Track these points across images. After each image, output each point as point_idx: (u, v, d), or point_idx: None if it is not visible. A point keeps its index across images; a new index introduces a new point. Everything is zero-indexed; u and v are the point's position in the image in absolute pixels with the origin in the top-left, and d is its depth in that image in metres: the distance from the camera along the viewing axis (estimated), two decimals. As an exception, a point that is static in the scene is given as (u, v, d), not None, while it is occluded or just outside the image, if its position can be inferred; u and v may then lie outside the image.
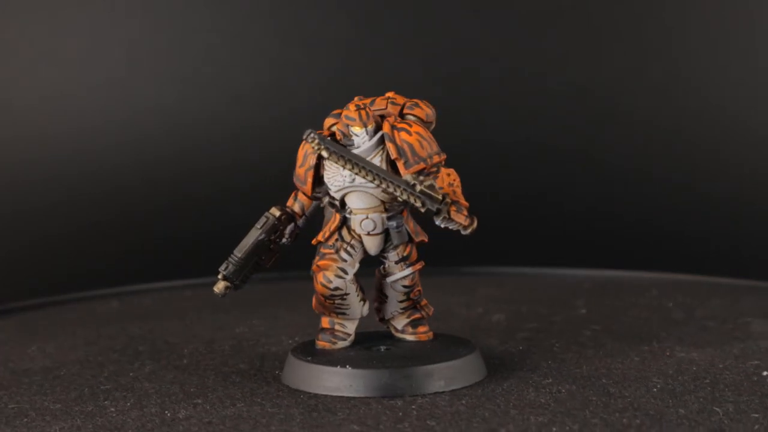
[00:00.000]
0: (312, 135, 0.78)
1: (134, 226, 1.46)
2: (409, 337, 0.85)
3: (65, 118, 1.50)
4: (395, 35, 1.53)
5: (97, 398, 0.81)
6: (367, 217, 0.81)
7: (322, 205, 0.84)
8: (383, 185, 0.78)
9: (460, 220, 0.80)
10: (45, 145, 1.48)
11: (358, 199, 0.81)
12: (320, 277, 0.82)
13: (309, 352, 0.83)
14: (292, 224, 0.83)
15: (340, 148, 0.78)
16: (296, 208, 0.83)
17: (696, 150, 1.50)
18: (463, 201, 0.81)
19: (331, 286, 0.82)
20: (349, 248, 0.82)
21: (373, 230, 0.81)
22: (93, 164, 1.48)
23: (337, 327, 0.84)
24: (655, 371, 0.84)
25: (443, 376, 0.80)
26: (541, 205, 1.47)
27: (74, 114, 1.50)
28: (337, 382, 0.79)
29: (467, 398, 0.78)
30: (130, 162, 1.48)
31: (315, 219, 0.84)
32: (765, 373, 0.85)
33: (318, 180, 0.82)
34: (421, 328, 0.85)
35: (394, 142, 0.80)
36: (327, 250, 0.82)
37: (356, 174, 0.79)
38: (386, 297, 0.84)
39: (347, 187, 0.81)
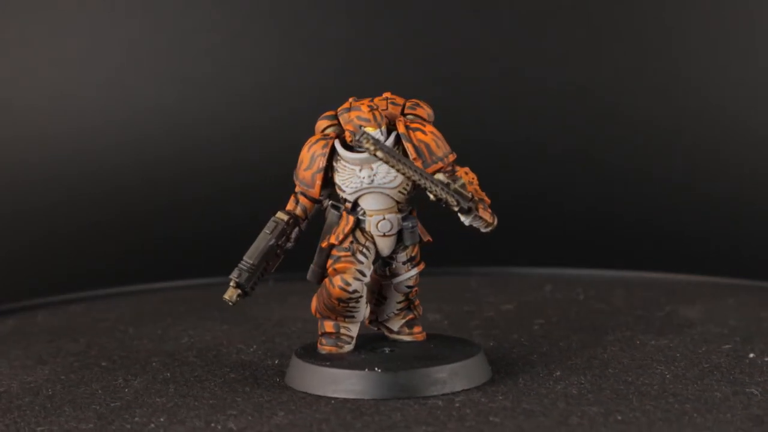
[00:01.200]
0: (367, 136, 0.76)
1: (134, 226, 1.46)
2: (406, 338, 0.85)
3: (65, 118, 1.50)
4: (395, 35, 1.53)
5: (120, 415, 0.78)
6: (383, 218, 0.81)
7: (323, 208, 0.83)
8: (427, 184, 0.77)
9: (487, 218, 0.80)
10: (45, 145, 1.48)
11: (374, 200, 0.80)
12: (338, 281, 0.80)
13: (319, 356, 0.82)
14: (297, 228, 0.82)
15: (390, 149, 0.77)
16: (299, 211, 0.82)
17: (696, 150, 1.50)
18: (486, 198, 0.81)
19: (350, 289, 0.80)
20: (364, 250, 0.81)
21: (389, 231, 0.81)
22: (93, 164, 1.48)
23: (342, 331, 0.83)
24: (663, 360, 0.86)
25: (465, 374, 0.80)
26: (541, 205, 1.47)
27: (74, 114, 1.50)
28: (364, 385, 0.79)
29: (503, 395, 0.79)
30: (130, 162, 1.48)
31: (315, 222, 0.84)
32: (752, 355, 0.88)
33: (325, 182, 0.81)
34: (417, 329, 0.85)
35: (411, 142, 0.80)
36: (342, 253, 0.81)
37: (403, 174, 0.78)
38: (385, 299, 0.84)
39: (364, 189, 0.80)
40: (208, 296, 1.16)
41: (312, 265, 0.83)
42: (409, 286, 0.83)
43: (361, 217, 0.81)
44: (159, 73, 1.52)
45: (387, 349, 0.83)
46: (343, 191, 0.81)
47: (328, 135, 0.81)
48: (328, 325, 0.83)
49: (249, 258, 0.81)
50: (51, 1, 1.51)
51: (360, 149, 0.79)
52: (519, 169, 1.47)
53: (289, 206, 0.83)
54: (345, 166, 0.80)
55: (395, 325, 0.85)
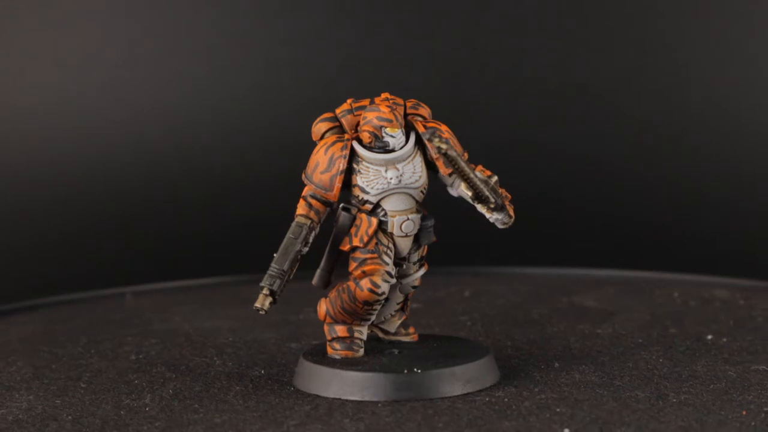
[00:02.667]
0: (438, 135, 0.75)
1: (134, 226, 1.46)
2: (404, 339, 0.85)
3: (65, 118, 1.50)
4: (395, 35, 1.53)
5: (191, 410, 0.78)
6: (407, 219, 0.80)
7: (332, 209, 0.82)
8: (477, 182, 0.78)
9: (511, 213, 0.80)
10: (45, 145, 1.48)
11: (399, 200, 0.80)
12: (367, 283, 0.79)
13: (337, 361, 0.81)
14: (313, 232, 0.81)
15: (453, 149, 0.77)
16: (313, 214, 0.81)
17: (696, 150, 1.50)
18: (508, 194, 0.81)
19: (380, 291, 0.80)
20: (388, 251, 0.80)
21: (411, 231, 0.80)
22: (93, 164, 1.48)
23: (356, 335, 0.82)
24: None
25: (484, 373, 0.81)
26: (542, 205, 1.47)
27: (74, 114, 1.50)
28: (402, 387, 0.78)
29: (529, 392, 0.80)
30: (130, 162, 1.48)
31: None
32: (710, 337, 0.92)
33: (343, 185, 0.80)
34: (411, 329, 0.85)
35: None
36: (368, 255, 0.80)
37: (462, 173, 0.77)
38: (386, 300, 0.83)
39: (391, 189, 0.79)
40: (209, 296, 1.16)
41: (318, 270, 0.82)
42: (414, 287, 0.83)
43: (383, 218, 0.80)
44: (159, 73, 1.52)
45: (395, 351, 0.83)
46: (367, 193, 0.79)
47: (343, 137, 0.80)
48: (341, 330, 0.81)
49: (279, 264, 0.79)
50: (52, 1, 1.51)
51: (378, 150, 0.78)
52: (519, 169, 1.47)
53: (303, 210, 0.80)
54: (368, 168, 0.79)
55: (392, 326, 0.84)
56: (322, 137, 0.81)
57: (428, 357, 0.81)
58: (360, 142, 0.80)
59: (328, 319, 0.82)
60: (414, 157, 0.80)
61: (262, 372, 0.86)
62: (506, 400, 0.78)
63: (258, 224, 1.43)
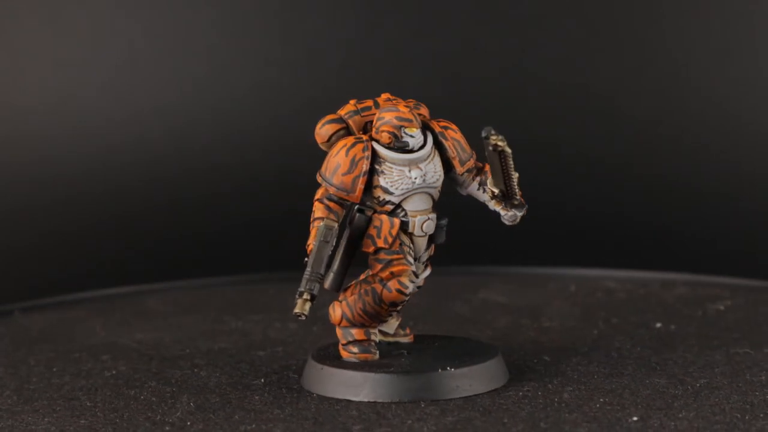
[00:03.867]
0: (494, 132, 0.76)
1: (134, 226, 1.46)
2: (403, 340, 0.84)
3: (65, 118, 1.50)
4: (395, 35, 1.53)
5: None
6: (428, 218, 0.80)
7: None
8: (516, 180, 0.79)
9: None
10: (45, 145, 1.48)
11: (420, 200, 0.80)
12: (395, 284, 0.79)
13: (362, 365, 0.80)
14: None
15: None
16: (332, 217, 0.79)
17: (696, 150, 1.50)
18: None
19: (407, 291, 0.80)
20: (410, 251, 0.80)
21: (431, 231, 0.80)
22: (93, 164, 1.48)
23: (372, 337, 0.82)
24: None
25: (499, 374, 0.81)
26: (542, 205, 1.47)
27: (74, 114, 1.50)
28: (450, 385, 0.78)
29: (556, 386, 0.81)
30: (130, 162, 1.48)
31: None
32: (658, 325, 0.96)
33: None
34: (407, 329, 0.85)
35: (447, 140, 0.80)
36: (393, 256, 0.79)
37: (510, 171, 0.78)
38: None
39: (415, 189, 0.79)
40: (208, 296, 1.16)
41: (332, 273, 0.81)
42: (419, 287, 0.83)
43: (404, 219, 0.80)
44: (159, 73, 1.52)
45: (405, 352, 0.82)
46: (391, 194, 0.79)
47: (361, 137, 0.79)
48: (359, 333, 0.81)
49: (316, 268, 0.78)
50: (52, 1, 1.51)
51: (396, 149, 0.78)
52: (519, 169, 1.47)
53: (322, 213, 0.79)
54: (392, 168, 0.79)
55: (391, 327, 0.84)
56: (329, 139, 0.80)
57: (446, 357, 0.81)
58: (377, 142, 0.79)
59: (344, 323, 0.81)
60: (433, 156, 0.79)
61: (263, 380, 0.85)
62: (540, 393, 0.79)
63: (258, 224, 1.43)
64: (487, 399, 0.78)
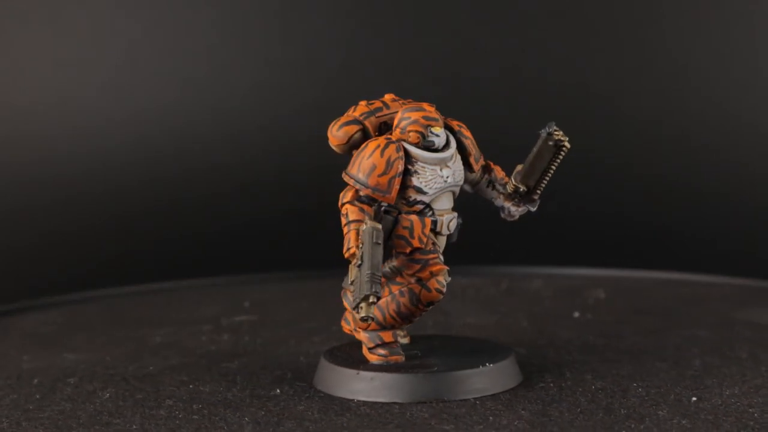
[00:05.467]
0: (555, 128, 0.77)
1: (134, 226, 1.46)
2: (402, 341, 0.84)
3: (65, 118, 1.50)
4: (396, 35, 1.53)
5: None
6: (453, 217, 0.80)
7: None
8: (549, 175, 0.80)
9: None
10: (45, 145, 1.48)
11: (447, 199, 0.80)
12: (435, 284, 0.79)
13: (397, 367, 0.79)
14: None
15: None
16: (367, 219, 0.78)
17: (696, 150, 1.50)
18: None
19: (444, 290, 0.79)
20: (440, 250, 0.80)
21: (455, 229, 0.80)
22: (93, 164, 1.48)
23: (399, 339, 0.81)
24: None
25: (513, 373, 0.81)
26: (542, 205, 1.47)
27: (74, 114, 1.50)
28: (483, 383, 0.78)
29: (588, 381, 0.81)
30: (130, 162, 1.48)
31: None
32: (576, 314, 0.98)
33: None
34: (404, 331, 0.84)
35: (465, 139, 0.80)
36: (430, 256, 0.79)
37: (552, 169, 0.80)
38: None
39: (446, 187, 0.79)
40: (208, 297, 1.16)
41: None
42: None
43: (434, 218, 0.79)
44: (159, 73, 1.52)
45: (417, 353, 0.82)
46: (425, 193, 0.78)
47: (391, 138, 0.78)
48: (387, 335, 0.80)
49: (376, 269, 0.75)
50: (52, 1, 1.51)
51: (425, 148, 0.78)
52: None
53: (357, 215, 0.78)
54: (425, 168, 0.78)
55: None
56: (347, 141, 0.79)
57: (459, 355, 0.81)
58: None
59: (373, 326, 0.80)
60: (456, 154, 0.80)
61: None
62: (567, 392, 0.80)
63: (258, 224, 1.43)
64: (510, 397, 0.79)
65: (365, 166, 0.78)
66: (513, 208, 0.82)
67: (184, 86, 1.51)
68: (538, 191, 0.81)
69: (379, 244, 0.76)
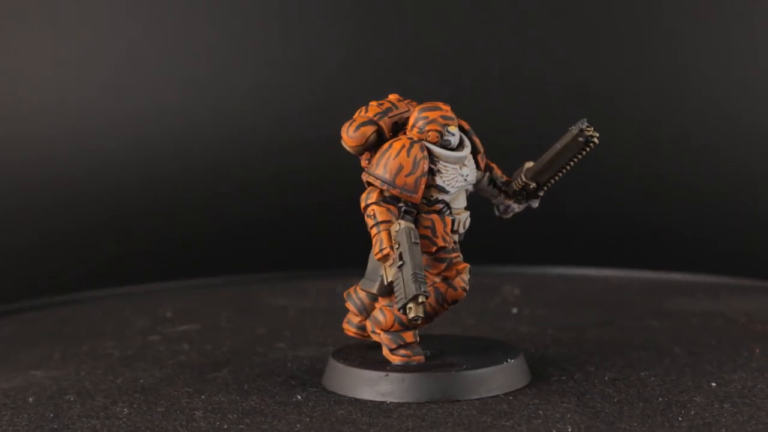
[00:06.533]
0: (588, 124, 0.77)
1: (134, 226, 1.46)
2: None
3: (66, 118, 1.50)
4: (396, 35, 1.53)
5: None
6: (468, 216, 0.80)
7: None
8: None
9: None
10: (45, 145, 1.48)
11: (462, 198, 0.80)
12: (460, 282, 0.79)
13: (421, 367, 0.79)
14: None
15: None
16: (393, 219, 0.77)
17: (696, 150, 1.50)
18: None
19: (468, 287, 0.79)
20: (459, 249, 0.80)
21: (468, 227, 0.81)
22: (93, 164, 1.48)
23: (418, 339, 0.80)
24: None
25: (526, 369, 0.82)
26: (542, 205, 1.47)
27: (75, 114, 1.50)
28: (507, 379, 0.79)
29: (600, 377, 0.81)
30: (130, 162, 1.48)
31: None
32: (515, 311, 0.99)
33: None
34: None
35: (476, 137, 0.81)
36: (453, 254, 0.79)
37: (569, 167, 0.80)
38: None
39: (465, 186, 0.79)
40: (208, 297, 1.16)
41: (380, 277, 0.78)
42: None
43: (452, 217, 0.79)
44: (159, 73, 1.52)
45: (428, 352, 0.81)
46: (447, 192, 0.78)
47: (413, 137, 0.78)
48: (409, 335, 0.79)
49: (418, 269, 0.75)
50: (52, 1, 1.51)
51: (442, 147, 0.78)
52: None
53: (386, 216, 0.77)
54: (446, 167, 0.78)
55: None
56: (365, 142, 0.78)
57: (471, 354, 0.81)
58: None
59: (396, 327, 0.79)
60: (469, 153, 0.80)
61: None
62: (586, 384, 0.80)
63: (258, 224, 1.43)
64: (536, 391, 0.79)
65: (392, 166, 0.77)
66: (514, 205, 0.82)
67: (184, 86, 1.52)
68: (546, 188, 0.81)
69: (417, 243, 0.76)
